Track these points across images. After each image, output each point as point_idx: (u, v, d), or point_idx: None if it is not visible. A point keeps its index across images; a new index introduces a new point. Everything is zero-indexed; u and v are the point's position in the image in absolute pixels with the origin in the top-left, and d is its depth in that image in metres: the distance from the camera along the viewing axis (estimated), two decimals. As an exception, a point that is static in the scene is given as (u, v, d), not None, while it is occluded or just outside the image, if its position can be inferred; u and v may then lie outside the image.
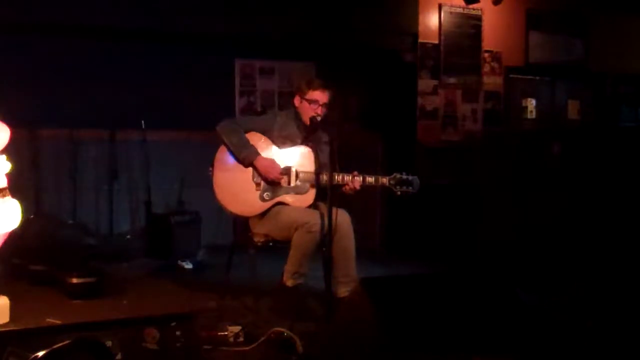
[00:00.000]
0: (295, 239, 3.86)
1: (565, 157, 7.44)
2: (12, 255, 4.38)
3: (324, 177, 3.91)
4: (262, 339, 3.34)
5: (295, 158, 4.04)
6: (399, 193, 3.94)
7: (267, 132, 4.09)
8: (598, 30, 7.67)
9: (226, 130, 4.01)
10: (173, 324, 3.23)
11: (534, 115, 7.69)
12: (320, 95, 4.04)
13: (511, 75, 7.34)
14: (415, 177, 3.96)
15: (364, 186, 3.94)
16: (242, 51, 6.36)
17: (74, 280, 4.06)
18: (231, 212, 4.07)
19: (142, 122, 5.75)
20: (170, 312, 3.41)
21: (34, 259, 4.49)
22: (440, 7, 6.82)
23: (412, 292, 2.86)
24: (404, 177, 3.94)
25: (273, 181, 3.98)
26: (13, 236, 3.54)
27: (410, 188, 3.94)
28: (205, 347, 3.27)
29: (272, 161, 4.00)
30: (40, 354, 2.44)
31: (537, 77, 7.67)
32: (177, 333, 3.23)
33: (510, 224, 6.25)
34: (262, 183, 4.00)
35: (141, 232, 5.79)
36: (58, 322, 3.41)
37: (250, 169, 4.01)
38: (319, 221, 3.80)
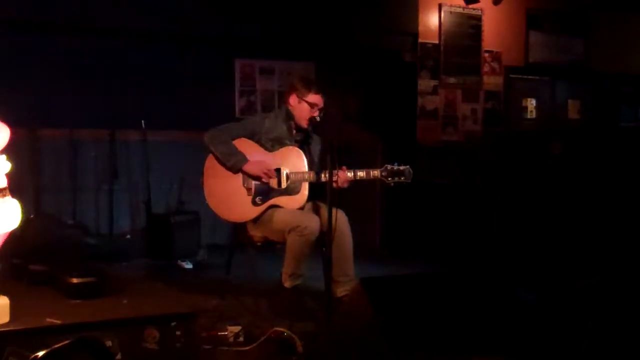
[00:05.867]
0: (289, 242, 3.87)
1: (565, 157, 7.44)
2: (12, 255, 4.38)
3: (323, 176, 3.91)
4: (262, 339, 3.33)
5: (284, 159, 4.03)
6: (392, 184, 3.94)
7: (255, 136, 4.07)
8: (598, 30, 7.67)
9: (213, 140, 3.99)
10: (173, 324, 3.24)
11: (534, 115, 7.69)
12: (319, 99, 4.05)
13: (511, 75, 7.34)
14: (407, 166, 3.96)
15: (357, 181, 3.94)
16: (242, 51, 6.35)
17: (74, 280, 4.06)
18: (225, 219, 4.07)
19: (142, 122, 5.75)
20: (170, 312, 3.40)
21: (34, 259, 4.49)
22: (440, 7, 6.83)
23: (412, 292, 2.86)
24: (395, 167, 3.93)
25: (267, 177, 3.95)
26: (13, 236, 3.53)
27: (403, 178, 3.94)
28: (205, 347, 3.27)
29: (260, 163, 3.97)
30: (40, 354, 2.45)
31: (537, 77, 7.68)
32: (177, 333, 3.23)
33: (510, 224, 6.25)
34: (254, 188, 3.99)
35: (141, 232, 5.79)
36: (58, 322, 3.41)
37: (241, 174, 4.00)
38: (310, 224, 3.81)
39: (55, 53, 5.56)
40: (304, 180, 3.98)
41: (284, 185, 4.00)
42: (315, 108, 4.03)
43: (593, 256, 5.47)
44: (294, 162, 4.02)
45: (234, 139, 4.03)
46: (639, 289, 3.73)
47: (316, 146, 4.17)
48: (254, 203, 3.99)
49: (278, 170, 4.01)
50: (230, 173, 4.00)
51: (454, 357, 2.64)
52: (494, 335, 2.77)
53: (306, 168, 4.00)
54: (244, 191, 4.00)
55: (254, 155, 4.02)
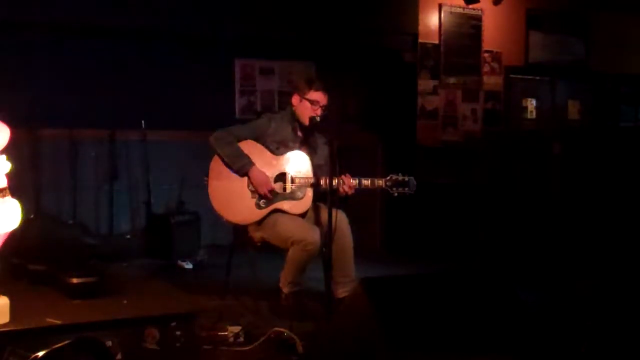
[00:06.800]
0: (291, 254, 3.87)
1: (565, 157, 7.44)
2: (12, 255, 4.38)
3: (323, 182, 3.91)
4: (262, 339, 3.34)
5: (290, 163, 4.02)
6: (395, 194, 3.96)
7: (261, 138, 4.06)
8: (598, 30, 7.67)
9: (219, 142, 3.99)
10: (173, 324, 3.24)
11: (534, 115, 7.69)
12: (321, 97, 4.02)
13: (511, 75, 7.34)
14: (412, 177, 3.98)
15: (360, 189, 3.94)
16: (242, 51, 6.35)
17: (74, 280, 4.06)
18: (228, 221, 4.07)
19: (142, 122, 5.75)
20: (170, 312, 3.41)
21: (34, 259, 4.49)
22: (440, 7, 6.83)
23: (412, 292, 2.86)
24: (400, 178, 3.95)
25: (265, 196, 3.97)
26: (13, 236, 3.53)
27: (407, 189, 3.96)
28: (205, 347, 3.27)
29: (264, 177, 3.97)
30: (40, 354, 2.45)
31: (537, 77, 7.67)
32: (177, 333, 3.24)
33: (510, 224, 6.26)
34: None
35: (141, 232, 5.79)
36: (58, 322, 3.41)
37: (246, 177, 4.01)
38: (314, 238, 3.80)
39: (55, 53, 5.56)
40: (309, 185, 3.98)
41: (288, 189, 4.00)
42: (317, 105, 4.00)
43: (593, 257, 5.47)
44: (300, 167, 4.01)
45: (239, 141, 4.02)
46: (638, 290, 3.73)
47: (323, 148, 4.14)
48: (258, 206, 3.98)
49: (283, 174, 4.01)
50: (235, 175, 4.00)
51: (454, 357, 2.64)
52: (494, 335, 2.77)
53: (311, 173, 4.00)
54: (249, 193, 3.99)
55: (260, 158, 4.02)
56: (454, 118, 7.00)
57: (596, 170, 7.09)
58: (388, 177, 3.96)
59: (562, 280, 4.75)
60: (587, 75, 7.76)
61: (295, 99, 4.08)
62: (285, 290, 3.96)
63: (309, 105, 4.01)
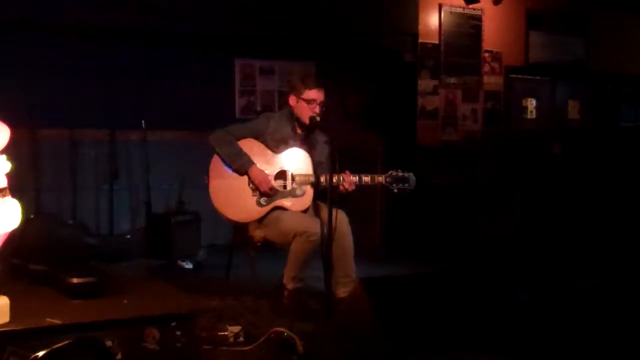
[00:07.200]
0: (294, 246, 3.87)
1: (565, 157, 7.44)
2: (12, 255, 4.37)
3: (323, 180, 3.91)
4: (262, 339, 3.34)
5: (290, 161, 4.03)
6: (395, 190, 3.98)
7: (261, 137, 4.07)
8: (598, 30, 7.68)
9: (219, 141, 4.01)
10: (173, 324, 3.24)
11: (534, 115, 7.70)
12: (317, 94, 4.02)
13: (511, 75, 7.34)
14: (411, 173, 4.00)
15: (361, 186, 3.95)
16: (242, 51, 6.35)
17: (74, 280, 4.05)
18: (229, 219, 4.07)
19: (142, 122, 5.75)
20: (170, 312, 3.40)
21: (34, 259, 4.48)
22: (440, 7, 6.83)
23: (412, 292, 2.86)
24: (400, 174, 3.98)
25: (266, 194, 3.98)
26: (13, 236, 3.53)
27: (407, 185, 3.98)
28: (205, 347, 3.27)
29: (265, 175, 3.98)
30: (40, 354, 2.44)
31: (537, 77, 7.68)
32: (177, 333, 3.23)
33: (510, 224, 6.25)
34: None
35: (141, 232, 5.78)
36: (58, 322, 3.41)
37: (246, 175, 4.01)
38: (317, 230, 3.81)
39: (56, 53, 5.56)
40: (309, 182, 3.98)
41: (289, 187, 4.00)
42: (314, 104, 4.00)
43: (593, 257, 5.47)
44: (300, 164, 4.02)
45: (239, 140, 4.03)
46: (639, 288, 3.73)
47: (323, 147, 4.14)
48: (259, 204, 3.99)
49: (284, 172, 4.01)
50: (235, 174, 4.00)
51: (454, 357, 2.64)
52: (494, 335, 2.77)
53: (311, 170, 4.00)
54: (249, 191, 4.00)
55: (260, 156, 4.02)
56: (454, 118, 7.01)
57: (596, 170, 7.09)
58: (388, 174, 3.98)
59: (562, 280, 4.75)
60: (587, 75, 7.76)
61: (292, 100, 4.09)
62: (289, 286, 3.96)
63: (306, 104, 4.01)
